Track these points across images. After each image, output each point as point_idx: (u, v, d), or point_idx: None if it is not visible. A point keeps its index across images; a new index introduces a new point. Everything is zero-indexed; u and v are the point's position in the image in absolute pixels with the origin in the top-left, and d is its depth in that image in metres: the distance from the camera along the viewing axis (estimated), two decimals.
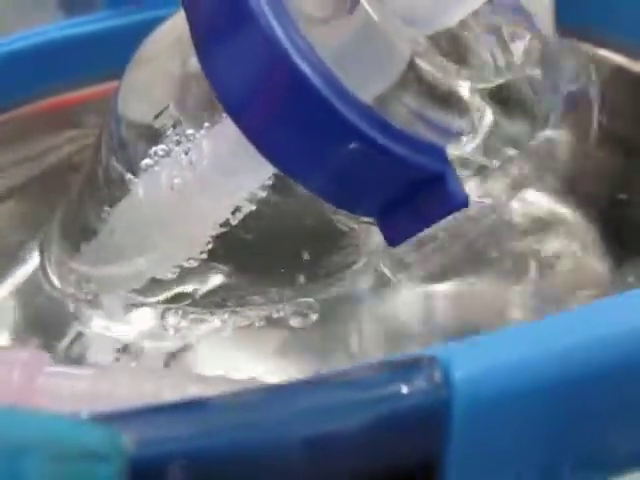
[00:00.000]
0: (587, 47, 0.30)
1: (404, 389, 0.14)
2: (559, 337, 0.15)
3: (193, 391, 0.18)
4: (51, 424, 0.12)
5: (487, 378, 0.14)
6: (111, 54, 0.29)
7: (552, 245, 0.28)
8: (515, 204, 0.28)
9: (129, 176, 0.23)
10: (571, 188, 0.29)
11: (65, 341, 0.25)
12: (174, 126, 0.22)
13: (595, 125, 0.25)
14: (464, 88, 0.19)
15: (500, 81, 0.20)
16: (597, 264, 0.27)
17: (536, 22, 0.21)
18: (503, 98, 0.20)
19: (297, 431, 0.14)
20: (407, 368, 0.14)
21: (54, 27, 0.31)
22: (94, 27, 0.31)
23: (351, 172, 0.19)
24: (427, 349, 0.15)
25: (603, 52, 0.30)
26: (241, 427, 0.14)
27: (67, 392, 0.18)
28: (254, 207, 0.22)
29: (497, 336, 0.15)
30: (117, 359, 0.25)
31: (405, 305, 0.26)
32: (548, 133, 0.23)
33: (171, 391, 0.18)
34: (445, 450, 0.14)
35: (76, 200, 0.27)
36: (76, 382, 0.18)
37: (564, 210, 0.29)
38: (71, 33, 0.31)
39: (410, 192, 0.19)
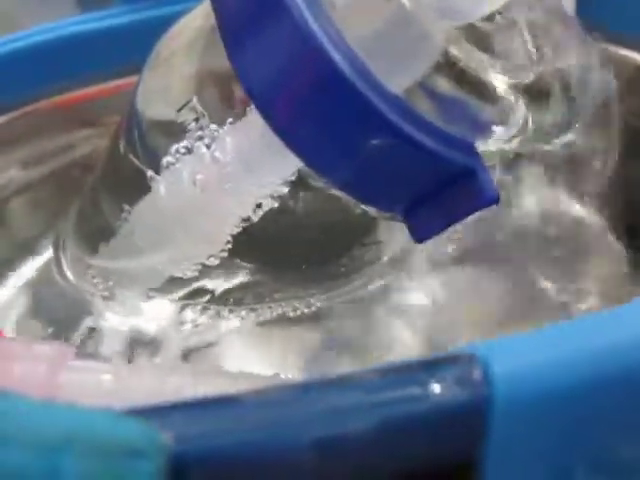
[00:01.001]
0: (605, 46, 0.30)
1: (440, 387, 0.14)
2: (601, 334, 0.14)
3: (217, 387, 0.18)
4: (89, 419, 0.11)
5: (528, 375, 0.14)
6: (128, 50, 0.29)
7: (574, 250, 0.28)
8: (536, 208, 0.28)
9: (150, 173, 0.23)
10: (594, 192, 0.28)
11: (79, 335, 0.25)
12: (196, 120, 0.22)
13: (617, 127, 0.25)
14: (497, 81, 0.19)
15: (532, 74, 0.19)
16: (622, 265, 0.27)
17: (567, 17, 0.21)
18: (535, 91, 0.20)
19: (321, 430, 0.14)
20: (445, 365, 0.14)
21: (69, 22, 0.31)
22: (110, 22, 0.30)
23: (380, 166, 0.19)
24: (465, 346, 0.14)
25: (623, 51, 0.30)
26: (275, 424, 0.14)
27: (91, 387, 0.18)
28: (276, 204, 0.22)
29: (536, 333, 0.15)
30: (133, 354, 0.24)
31: (427, 303, 0.25)
32: (571, 137, 0.22)
33: (195, 387, 0.18)
34: (484, 449, 0.14)
35: (92, 198, 0.26)
36: (100, 377, 0.18)
37: (586, 214, 0.28)
38: (87, 29, 0.30)
39: (439, 187, 0.19)
